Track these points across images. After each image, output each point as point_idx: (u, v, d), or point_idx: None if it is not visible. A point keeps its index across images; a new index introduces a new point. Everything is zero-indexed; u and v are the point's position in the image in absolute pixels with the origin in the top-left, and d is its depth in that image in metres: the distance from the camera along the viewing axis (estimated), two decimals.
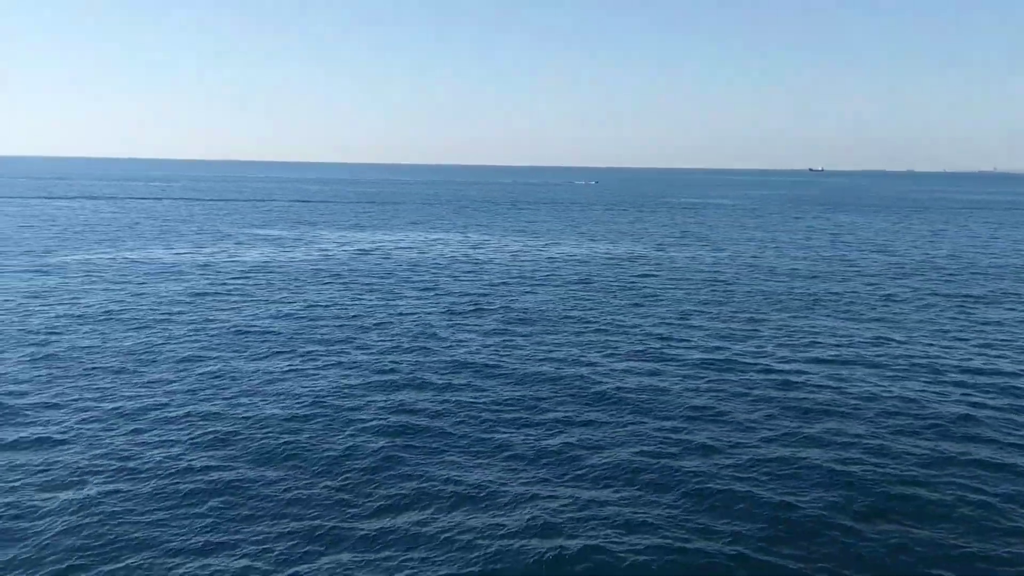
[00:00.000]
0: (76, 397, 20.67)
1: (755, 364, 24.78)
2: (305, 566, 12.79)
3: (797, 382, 22.85)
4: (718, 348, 26.90)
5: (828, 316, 32.99)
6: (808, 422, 19.53)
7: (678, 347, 27.06)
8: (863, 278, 44.37)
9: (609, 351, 26.36)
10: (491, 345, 26.95)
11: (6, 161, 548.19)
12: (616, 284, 41.31)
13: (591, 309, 33.97)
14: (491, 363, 24.53)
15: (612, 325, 30.54)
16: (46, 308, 32.11)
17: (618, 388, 22.06)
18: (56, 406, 19.94)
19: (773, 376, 23.43)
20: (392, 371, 23.46)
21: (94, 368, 23.32)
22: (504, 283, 40.97)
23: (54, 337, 27.03)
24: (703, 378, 23.24)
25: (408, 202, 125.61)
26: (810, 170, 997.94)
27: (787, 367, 24.47)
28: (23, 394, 20.81)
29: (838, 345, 27.52)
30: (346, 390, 21.61)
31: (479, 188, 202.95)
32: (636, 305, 35.06)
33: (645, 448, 17.71)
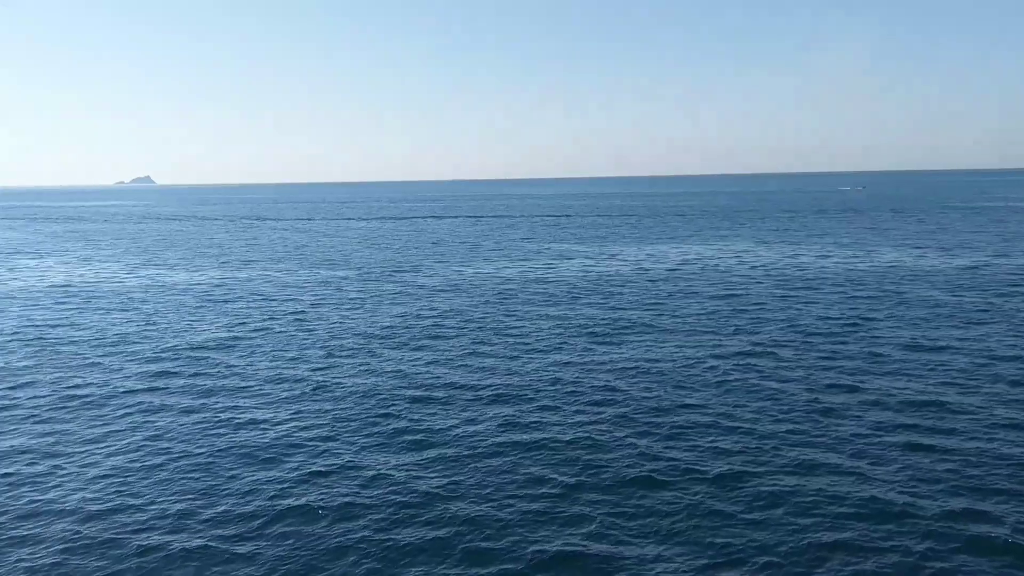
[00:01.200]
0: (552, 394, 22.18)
1: None
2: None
3: None
4: None
5: None
6: None
7: None
8: None
9: None
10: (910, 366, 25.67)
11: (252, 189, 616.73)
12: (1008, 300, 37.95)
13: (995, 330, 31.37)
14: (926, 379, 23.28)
15: None
16: (466, 321, 35.06)
17: None
18: (543, 406, 21.52)
19: None
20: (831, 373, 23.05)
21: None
22: (855, 296, 39.05)
23: (489, 347, 29.50)
24: None
25: (666, 214, 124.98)
26: None
27: None
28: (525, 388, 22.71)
29: None
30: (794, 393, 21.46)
31: (732, 198, 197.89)
32: None
33: None
